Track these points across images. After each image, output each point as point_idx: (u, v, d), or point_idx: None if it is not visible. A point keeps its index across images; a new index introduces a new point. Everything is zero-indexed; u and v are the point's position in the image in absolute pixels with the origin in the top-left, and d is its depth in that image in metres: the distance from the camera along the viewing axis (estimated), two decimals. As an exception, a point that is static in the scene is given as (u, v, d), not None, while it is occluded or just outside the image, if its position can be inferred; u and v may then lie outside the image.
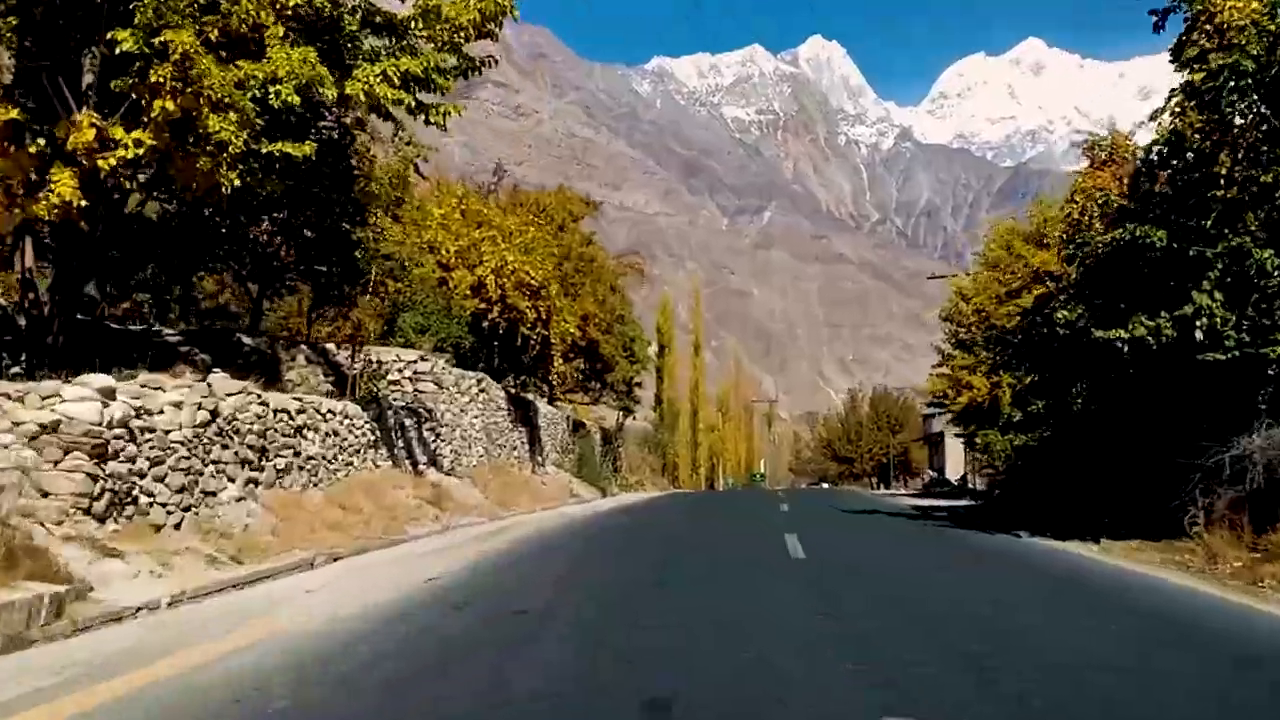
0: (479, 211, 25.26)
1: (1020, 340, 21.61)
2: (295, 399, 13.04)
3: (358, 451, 14.81)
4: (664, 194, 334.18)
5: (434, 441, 19.55)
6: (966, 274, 33.82)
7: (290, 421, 12.52)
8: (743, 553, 13.05)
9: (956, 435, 51.99)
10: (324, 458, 13.44)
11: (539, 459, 28.41)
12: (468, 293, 23.87)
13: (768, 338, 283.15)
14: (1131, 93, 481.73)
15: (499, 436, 24.79)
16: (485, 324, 24.42)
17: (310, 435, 13.12)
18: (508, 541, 13.32)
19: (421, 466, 17.69)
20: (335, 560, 10.46)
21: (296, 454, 12.55)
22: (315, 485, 12.92)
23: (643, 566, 11.05)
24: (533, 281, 24.34)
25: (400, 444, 17.26)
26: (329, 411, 13.91)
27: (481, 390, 23.67)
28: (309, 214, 14.40)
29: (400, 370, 19.94)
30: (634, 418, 46.81)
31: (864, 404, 69.40)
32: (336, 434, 14.01)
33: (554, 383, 26.62)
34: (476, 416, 23.05)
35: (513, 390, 27.64)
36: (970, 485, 46.49)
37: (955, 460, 54.58)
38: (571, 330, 25.71)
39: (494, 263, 24.04)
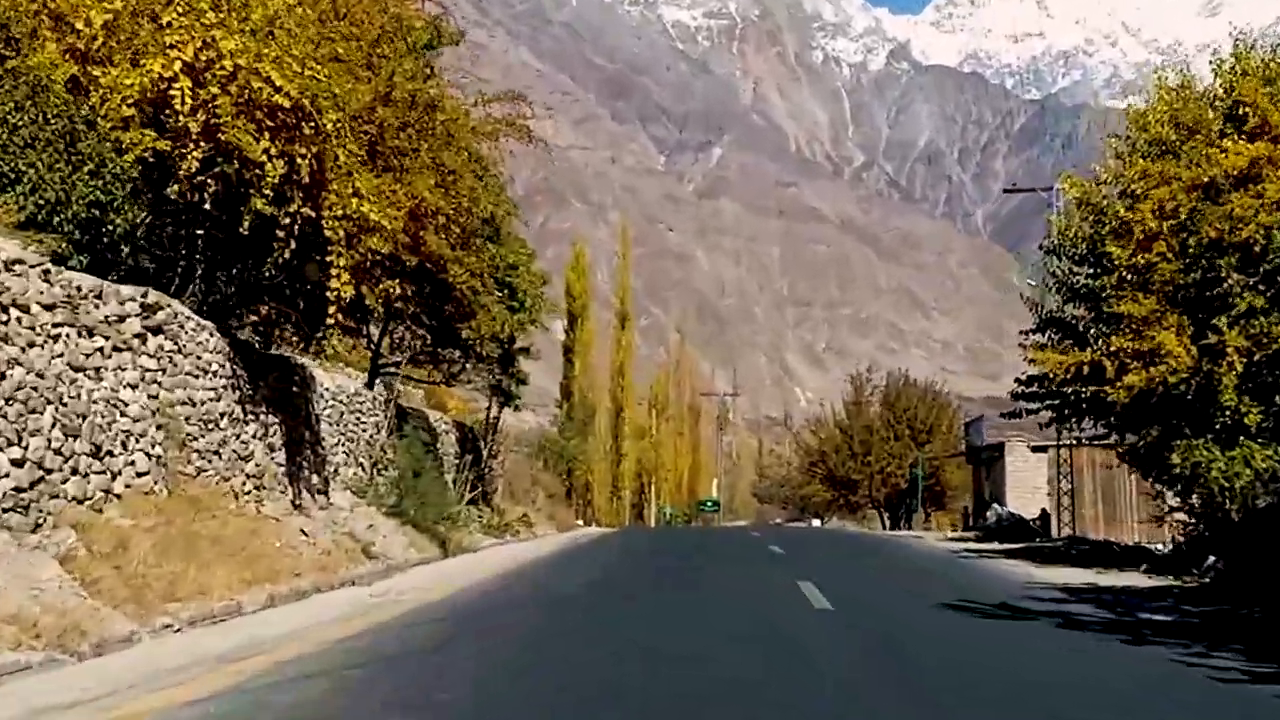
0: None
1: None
2: None
3: None
4: (579, 122, 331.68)
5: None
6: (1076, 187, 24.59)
7: None
8: None
9: (1034, 448, 43.91)
10: None
11: (310, 482, 18.86)
12: (128, 113, 14.36)
13: (715, 318, 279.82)
14: (1195, 7, 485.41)
15: (206, 432, 15.29)
16: (175, 187, 14.73)
17: None
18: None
19: None
20: None
21: None
22: None
23: None
24: (280, 99, 14.71)
25: None
26: None
27: (152, 329, 14.12)
28: None
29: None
30: (517, 409, 37.29)
31: (872, 400, 61.35)
32: None
33: (332, 325, 16.93)
34: (139, 385, 13.62)
35: (255, 342, 18.29)
36: (1052, 526, 38.32)
37: (1022, 487, 46.70)
38: (372, 216, 16.07)
39: (191, 49, 14.47)
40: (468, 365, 32.23)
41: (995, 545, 31.99)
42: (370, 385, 26.21)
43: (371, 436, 23.66)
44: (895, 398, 60.21)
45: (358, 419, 22.82)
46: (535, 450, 48.12)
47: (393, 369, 31.76)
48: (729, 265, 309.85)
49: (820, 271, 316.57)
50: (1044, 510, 40.44)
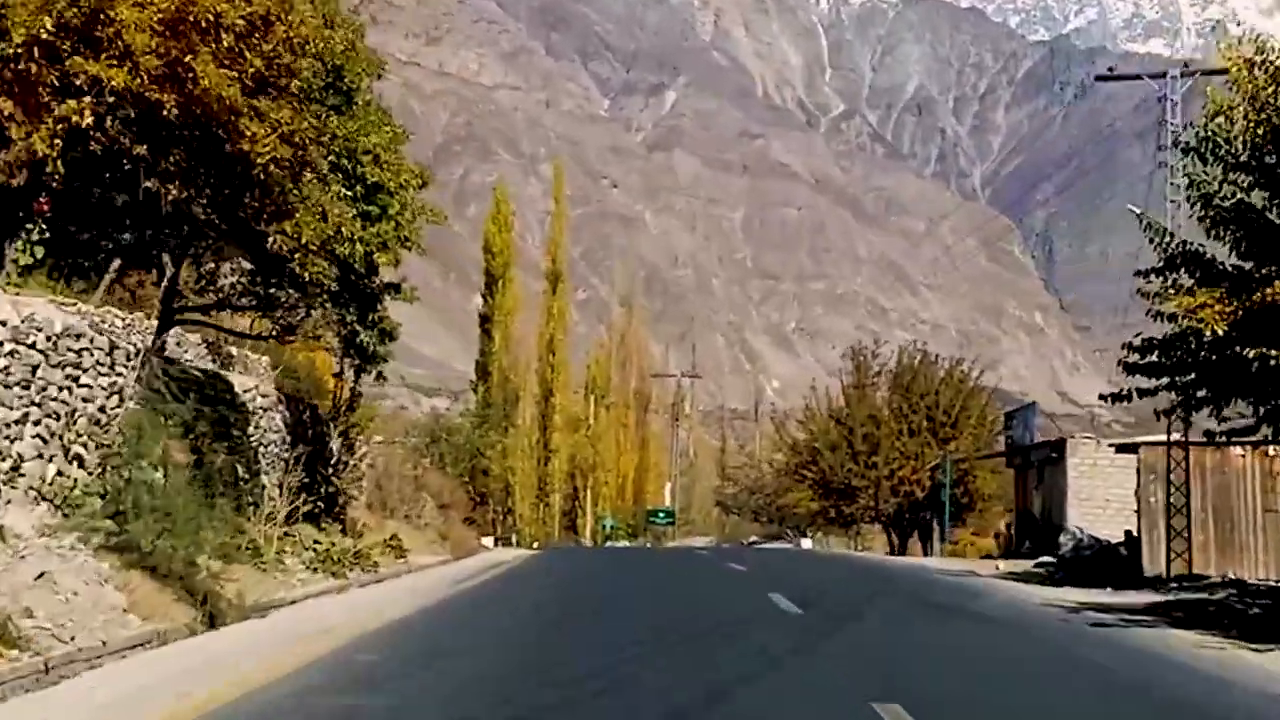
0: None
1: None
2: None
3: None
4: (508, 56, 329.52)
5: None
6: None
7: None
8: None
9: (1119, 447, 37.29)
10: None
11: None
12: None
13: (666, 292, 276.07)
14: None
15: None
16: None
17: None
18: None
19: None
20: None
21: None
22: None
23: None
24: None
25: None
26: None
27: None
28: None
29: None
30: (383, 381, 29.55)
31: (878, 383, 55.28)
32: None
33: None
34: None
35: None
36: (1144, 555, 31.58)
37: (1090, 501, 40.92)
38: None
39: None
40: (313, 312, 24.78)
41: (1101, 597, 25.13)
42: (158, 339, 18.77)
43: (109, 411, 15.93)
44: (909, 380, 54.14)
45: (71, 380, 15.10)
46: (425, 442, 40.61)
47: (201, 316, 24.39)
48: (683, 230, 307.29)
49: (790, 239, 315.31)
50: (1129, 534, 33.70)
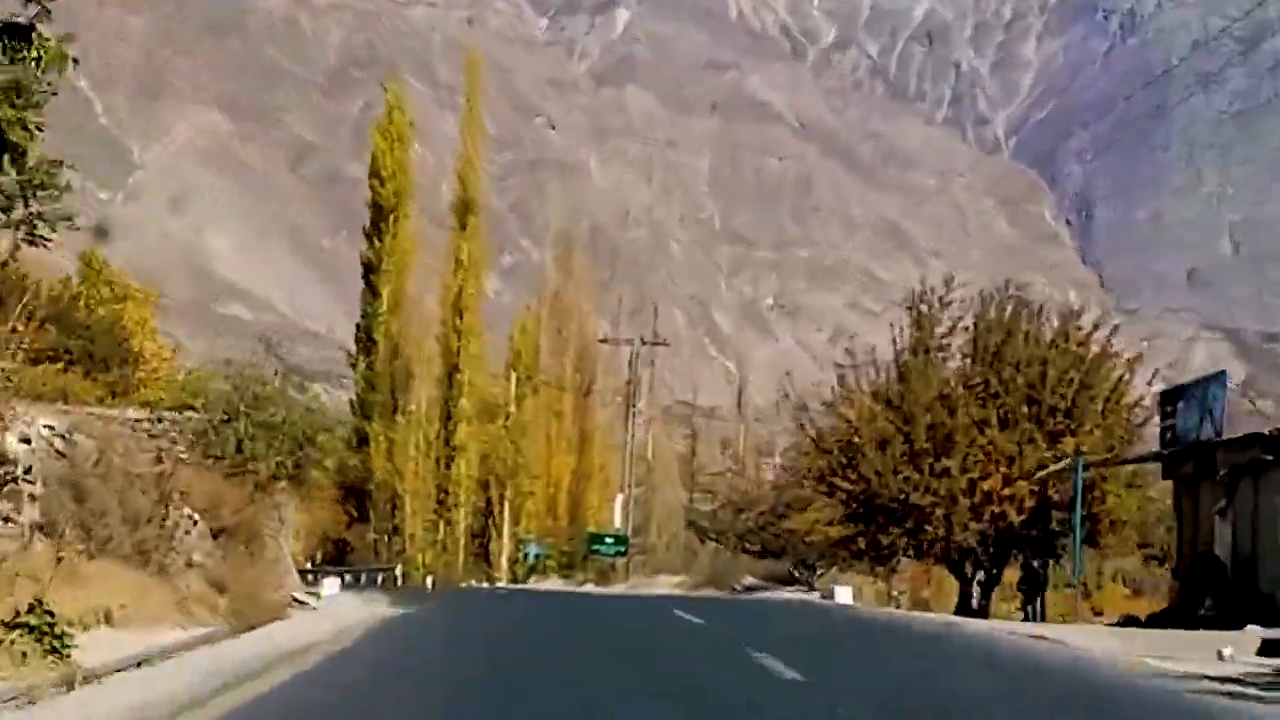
0: None
1: None
2: None
3: None
4: None
5: None
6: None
7: None
8: None
9: None
10: None
11: None
12: None
13: (613, 255, 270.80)
14: None
15: None
16: None
17: None
18: None
19: None
20: None
21: None
22: None
23: None
24: None
25: None
26: None
27: None
28: None
29: None
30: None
31: (948, 346, 47.52)
32: None
33: None
34: None
35: None
36: None
37: None
38: None
39: None
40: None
41: None
42: None
43: None
44: (1000, 343, 45.23)
45: None
46: (211, 423, 29.40)
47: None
48: (637, 182, 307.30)
49: (768, 195, 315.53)
50: None
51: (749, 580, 60.84)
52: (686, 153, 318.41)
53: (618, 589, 65.18)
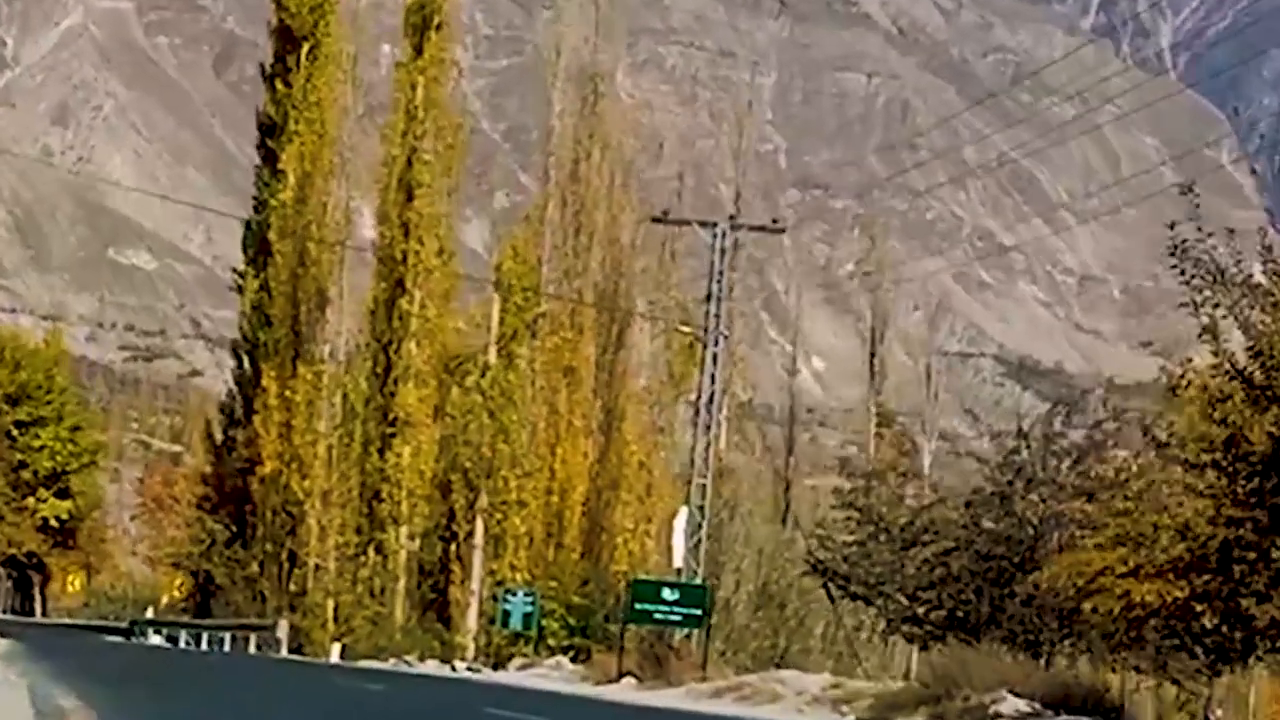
0: None
1: None
2: None
3: None
4: None
5: None
6: None
7: None
8: None
9: None
10: None
11: None
12: None
13: (642, 198, 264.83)
14: None
15: None
16: None
17: None
18: None
19: None
20: None
21: None
22: None
23: None
24: None
25: None
26: None
27: None
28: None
29: None
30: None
31: None
32: None
33: None
34: None
35: None
36: None
37: None
38: None
39: None
40: None
41: None
42: None
43: None
44: None
45: None
46: None
47: None
48: (675, 103, 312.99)
49: (851, 125, 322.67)
50: None
51: (1009, 702, 38.15)
52: (743, 66, 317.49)
53: (699, 707, 39.15)
